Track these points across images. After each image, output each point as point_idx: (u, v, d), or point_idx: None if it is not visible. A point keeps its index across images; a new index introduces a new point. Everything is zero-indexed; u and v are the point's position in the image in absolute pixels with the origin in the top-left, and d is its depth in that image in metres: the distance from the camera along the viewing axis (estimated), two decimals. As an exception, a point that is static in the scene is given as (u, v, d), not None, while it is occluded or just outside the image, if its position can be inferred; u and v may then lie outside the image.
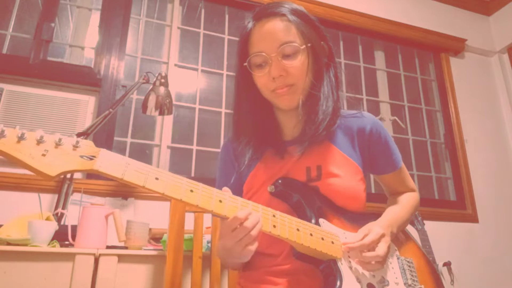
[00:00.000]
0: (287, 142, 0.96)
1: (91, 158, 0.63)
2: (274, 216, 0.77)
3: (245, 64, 0.92)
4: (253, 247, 0.72)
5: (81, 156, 0.63)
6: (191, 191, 0.70)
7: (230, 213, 0.72)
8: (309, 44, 0.90)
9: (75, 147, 0.63)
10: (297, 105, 0.92)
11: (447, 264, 2.04)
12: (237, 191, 0.95)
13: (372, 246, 0.82)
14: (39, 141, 0.60)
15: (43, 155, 0.60)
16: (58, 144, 0.61)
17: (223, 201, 0.72)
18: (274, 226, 0.75)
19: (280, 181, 0.89)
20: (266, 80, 0.90)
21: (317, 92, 0.92)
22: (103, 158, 0.64)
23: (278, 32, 0.88)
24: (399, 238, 0.98)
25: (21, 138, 0.59)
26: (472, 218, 2.50)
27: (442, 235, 2.33)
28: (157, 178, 0.67)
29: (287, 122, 0.99)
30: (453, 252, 2.30)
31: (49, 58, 1.89)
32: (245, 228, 0.70)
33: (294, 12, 0.91)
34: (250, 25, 0.93)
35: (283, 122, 1.00)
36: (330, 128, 0.92)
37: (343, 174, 0.91)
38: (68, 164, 0.61)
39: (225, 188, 0.75)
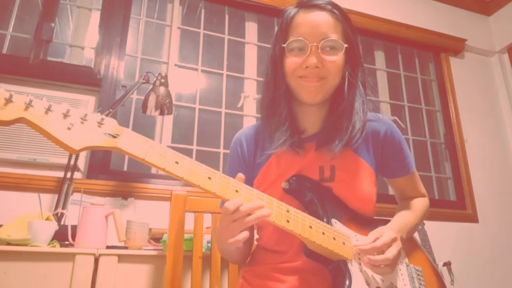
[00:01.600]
0: (304, 139, 0.95)
1: (115, 136, 0.64)
2: (288, 211, 0.77)
3: (284, 45, 0.90)
4: (241, 237, 0.73)
5: (105, 134, 0.63)
6: (209, 178, 0.70)
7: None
8: (347, 46, 0.90)
9: (100, 124, 0.63)
10: (320, 100, 0.91)
11: (447, 264, 2.04)
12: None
13: (382, 249, 0.81)
14: (66, 115, 0.61)
15: (69, 128, 0.60)
16: (83, 119, 0.62)
17: (240, 191, 0.73)
18: (288, 221, 0.75)
19: (294, 178, 0.89)
20: (297, 65, 0.89)
21: (350, 95, 0.92)
22: (126, 137, 0.65)
23: (325, 25, 0.88)
24: (408, 245, 0.98)
25: (48, 109, 0.59)
26: (472, 218, 2.50)
27: (442, 235, 2.32)
28: (177, 162, 0.68)
29: (304, 116, 0.97)
30: (453, 252, 2.30)
31: (49, 58, 1.89)
32: (239, 212, 0.71)
33: (342, 12, 0.92)
34: (294, 11, 0.92)
35: (300, 117, 0.97)
36: (362, 135, 0.91)
37: (357, 176, 0.91)
38: (92, 140, 0.62)
39: (240, 175, 0.75)
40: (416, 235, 1.91)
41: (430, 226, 2.06)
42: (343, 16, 0.92)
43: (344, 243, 0.82)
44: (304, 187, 0.88)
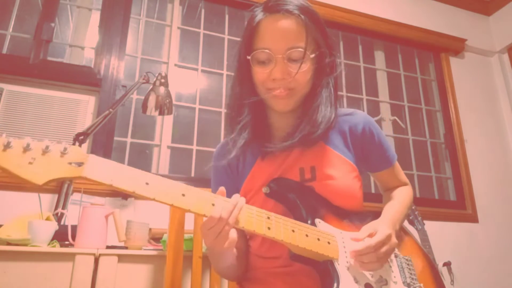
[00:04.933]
0: (273, 147, 0.93)
1: (80, 164, 0.62)
2: (268, 218, 0.76)
3: (249, 57, 0.88)
4: (231, 239, 0.71)
5: (69, 163, 0.61)
6: (183, 195, 0.68)
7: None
8: (317, 53, 0.89)
9: (63, 153, 0.61)
10: (291, 109, 0.91)
11: (447, 264, 2.04)
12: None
13: (378, 248, 0.80)
14: (26, 149, 0.59)
15: (30, 163, 0.58)
16: (45, 151, 0.60)
17: (216, 204, 0.71)
18: (269, 228, 0.74)
19: (274, 182, 0.88)
20: (265, 78, 0.87)
21: (316, 98, 0.91)
22: (91, 164, 0.63)
23: (289, 34, 0.85)
24: (397, 234, 0.96)
25: (7, 146, 0.57)
26: (472, 218, 2.50)
27: (442, 235, 2.32)
28: (147, 183, 0.66)
29: (279, 123, 0.97)
30: (453, 252, 2.30)
31: (49, 58, 1.89)
32: (220, 221, 0.69)
33: (310, 15, 0.87)
34: (260, 15, 0.87)
35: (275, 123, 0.97)
36: (326, 132, 0.91)
37: (338, 173, 0.90)
38: (55, 172, 0.60)
39: (221, 189, 0.74)
40: (416, 235, 1.91)
41: (430, 226, 2.06)
42: (311, 19, 0.87)
43: (329, 243, 0.80)
44: (285, 189, 0.87)
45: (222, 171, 0.99)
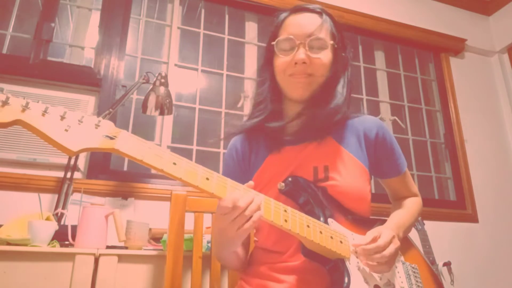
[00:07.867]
0: (286, 141, 0.96)
1: (112, 137, 0.64)
2: (285, 211, 0.77)
3: (273, 43, 0.95)
4: (248, 226, 0.71)
5: (102, 135, 0.63)
6: (207, 178, 0.71)
7: None
8: (335, 45, 0.95)
9: (97, 125, 0.63)
10: (308, 97, 0.94)
11: (447, 264, 2.03)
12: None
13: (384, 249, 0.81)
14: (63, 117, 0.60)
15: (66, 130, 0.60)
16: (80, 121, 0.62)
17: (238, 191, 0.73)
18: (286, 221, 0.76)
19: (290, 179, 0.89)
20: (287, 63, 0.93)
21: (331, 91, 0.94)
22: (123, 139, 0.65)
23: (312, 24, 0.93)
24: (403, 244, 0.97)
25: (45, 111, 0.59)
26: (472, 218, 2.50)
27: (442, 235, 2.32)
28: (175, 163, 0.68)
29: (293, 115, 0.98)
30: (453, 252, 2.30)
31: (49, 58, 1.89)
32: (238, 209, 0.70)
33: (329, 15, 0.98)
34: (285, 14, 0.99)
35: (289, 112, 0.99)
36: (331, 119, 0.93)
37: (351, 175, 0.91)
38: (90, 142, 0.62)
39: (250, 183, 0.76)
40: (416, 235, 1.91)
41: (430, 226, 2.06)
42: (330, 18, 0.98)
43: (341, 242, 0.82)
44: (300, 188, 0.89)
45: (235, 163, 1.01)
